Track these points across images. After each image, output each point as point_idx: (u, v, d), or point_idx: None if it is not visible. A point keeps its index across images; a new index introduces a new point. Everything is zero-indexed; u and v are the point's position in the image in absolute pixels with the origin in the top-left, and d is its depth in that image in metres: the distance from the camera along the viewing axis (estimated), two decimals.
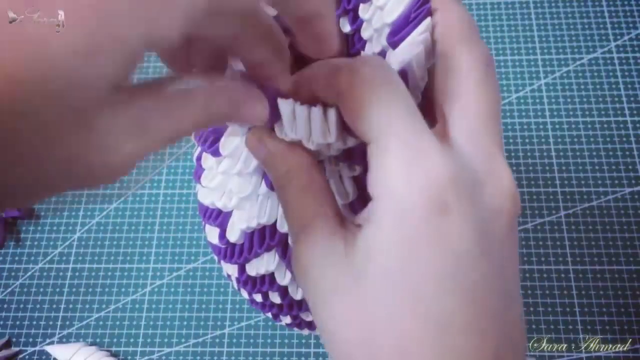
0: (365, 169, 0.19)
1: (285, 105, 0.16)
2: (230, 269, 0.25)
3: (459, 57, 0.16)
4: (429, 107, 0.17)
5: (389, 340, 0.14)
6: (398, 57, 0.17)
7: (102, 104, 0.12)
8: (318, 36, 0.16)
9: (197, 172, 0.25)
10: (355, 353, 0.14)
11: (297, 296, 0.24)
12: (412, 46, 0.17)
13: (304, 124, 0.16)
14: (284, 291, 0.25)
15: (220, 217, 0.24)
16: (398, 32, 0.18)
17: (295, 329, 0.30)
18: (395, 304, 0.14)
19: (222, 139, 0.22)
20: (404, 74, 0.16)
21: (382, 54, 0.20)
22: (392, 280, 0.14)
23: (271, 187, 0.21)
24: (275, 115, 0.17)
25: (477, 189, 0.15)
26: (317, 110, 0.16)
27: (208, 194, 0.24)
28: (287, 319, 0.28)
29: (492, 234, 0.15)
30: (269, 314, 0.29)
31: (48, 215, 0.43)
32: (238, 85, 0.16)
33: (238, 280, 0.26)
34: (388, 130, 0.14)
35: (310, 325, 0.28)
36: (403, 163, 0.14)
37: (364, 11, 0.21)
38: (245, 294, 0.28)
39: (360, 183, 0.20)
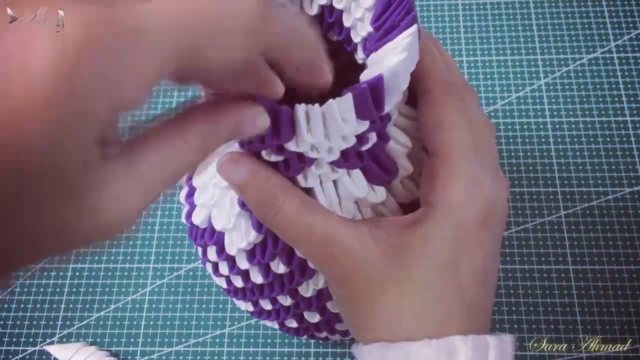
0: (365, 167, 0.19)
1: (299, 109, 0.16)
2: (238, 281, 0.25)
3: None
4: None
5: (435, 316, 0.18)
6: (383, 61, 0.17)
7: (86, 169, 0.12)
8: (313, 75, 0.16)
9: (188, 194, 0.24)
10: (409, 324, 0.18)
11: (308, 293, 0.24)
12: (395, 51, 0.17)
13: (320, 122, 0.16)
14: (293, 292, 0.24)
15: (215, 236, 0.23)
16: (380, 16, 0.19)
17: (298, 335, 0.30)
18: (443, 290, 0.18)
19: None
20: (387, 78, 0.17)
21: (369, 37, 0.20)
22: (443, 270, 0.18)
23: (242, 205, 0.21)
24: (281, 131, 0.16)
25: None
26: (333, 102, 0.16)
27: (201, 212, 0.23)
28: (292, 323, 0.28)
29: (499, 241, 0.20)
30: (275, 323, 0.28)
31: None
32: (230, 101, 0.15)
33: (243, 290, 0.26)
34: (461, 154, 0.18)
35: (318, 328, 0.28)
36: (467, 185, 0.18)
37: (338, 2, 0.21)
38: (249, 306, 0.27)
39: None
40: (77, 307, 0.40)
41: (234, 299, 0.28)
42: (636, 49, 0.45)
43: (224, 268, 0.25)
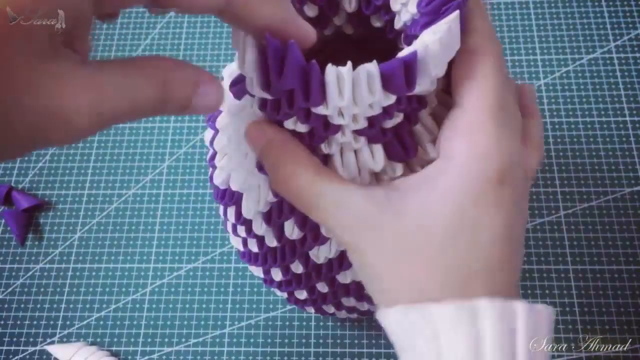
0: (387, 142, 0.19)
1: (331, 71, 0.16)
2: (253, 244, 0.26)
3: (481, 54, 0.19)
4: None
5: (459, 277, 0.17)
6: (423, 37, 0.17)
7: (35, 58, 0.13)
8: (290, 37, 0.17)
9: (211, 157, 0.25)
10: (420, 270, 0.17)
11: (320, 260, 0.24)
12: (435, 35, 0.17)
13: (349, 86, 0.17)
14: (305, 258, 0.25)
15: (234, 197, 0.24)
16: (429, 2, 0.18)
17: (307, 308, 0.30)
18: (464, 249, 0.17)
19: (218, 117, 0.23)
20: (420, 57, 0.17)
21: (413, 22, 0.20)
22: (462, 228, 0.17)
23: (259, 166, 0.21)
24: (312, 91, 0.17)
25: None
26: (363, 69, 0.16)
27: (221, 174, 0.24)
28: (302, 294, 0.28)
29: (522, 200, 0.19)
30: (285, 294, 0.29)
31: (48, 215, 0.43)
32: (191, 66, 0.16)
33: (257, 255, 0.26)
34: (487, 107, 0.18)
35: (326, 299, 0.28)
36: (488, 139, 0.17)
37: None
38: (261, 273, 0.28)
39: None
40: (77, 307, 0.40)
41: (247, 264, 0.28)
42: (636, 49, 0.45)
43: (241, 230, 0.25)
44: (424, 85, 0.17)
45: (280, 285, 0.28)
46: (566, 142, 0.43)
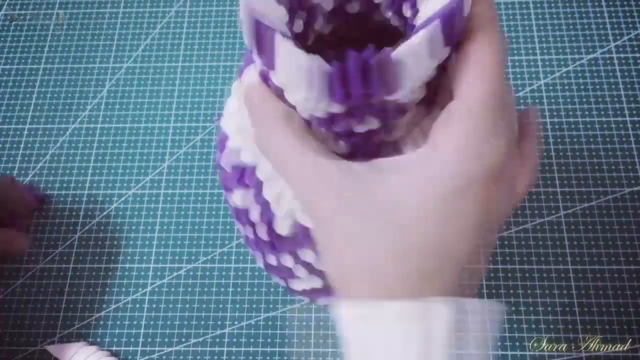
0: (354, 143, 0.19)
1: (283, 43, 0.16)
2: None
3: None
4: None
5: (415, 273, 0.17)
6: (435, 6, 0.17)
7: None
8: None
9: (221, 141, 0.25)
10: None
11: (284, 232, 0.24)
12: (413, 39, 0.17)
13: (288, 63, 0.17)
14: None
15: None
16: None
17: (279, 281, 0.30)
18: (419, 244, 0.17)
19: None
20: (450, 15, 0.16)
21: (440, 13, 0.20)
22: (423, 224, 0.17)
23: None
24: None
25: None
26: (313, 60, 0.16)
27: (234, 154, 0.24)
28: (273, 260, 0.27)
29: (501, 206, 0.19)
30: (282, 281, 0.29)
31: (48, 215, 0.43)
32: None
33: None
34: (480, 102, 0.17)
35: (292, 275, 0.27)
36: (480, 137, 0.16)
37: None
38: (260, 258, 0.28)
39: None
40: (77, 307, 0.40)
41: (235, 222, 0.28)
42: (636, 49, 0.45)
43: (256, 213, 0.25)
44: (405, 91, 0.17)
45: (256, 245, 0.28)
46: (566, 142, 0.43)
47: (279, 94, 0.19)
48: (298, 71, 0.16)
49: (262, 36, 0.17)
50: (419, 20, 0.18)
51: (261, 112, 0.19)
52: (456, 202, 0.17)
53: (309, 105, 0.18)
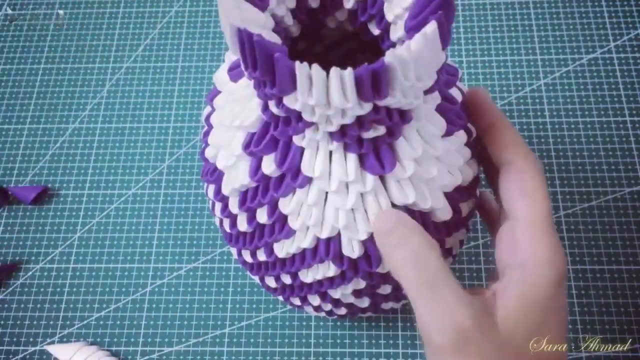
0: (362, 154, 0.20)
1: (301, 69, 0.16)
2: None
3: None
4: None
5: None
6: (396, 49, 0.17)
7: None
8: None
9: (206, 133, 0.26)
10: None
11: (281, 254, 0.24)
12: (412, 44, 0.17)
13: (319, 85, 0.16)
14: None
15: (216, 174, 0.24)
16: (417, 16, 0.18)
17: (275, 294, 0.30)
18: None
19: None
20: (392, 65, 0.16)
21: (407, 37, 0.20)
22: (536, 327, 0.21)
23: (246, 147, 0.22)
24: (289, 82, 0.17)
25: None
26: (335, 71, 0.16)
27: (212, 150, 0.24)
28: (272, 282, 0.28)
29: None
30: (257, 278, 0.29)
31: (48, 215, 0.43)
32: None
33: (230, 235, 0.26)
34: (544, 219, 0.21)
35: (293, 292, 0.28)
36: (552, 250, 0.20)
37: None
38: (235, 253, 0.28)
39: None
40: (77, 307, 0.40)
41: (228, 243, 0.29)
42: (635, 49, 0.45)
43: (218, 209, 0.26)
44: (397, 96, 0.17)
45: (252, 269, 0.28)
46: (566, 142, 0.43)
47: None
48: (322, 87, 0.17)
49: (277, 68, 0.16)
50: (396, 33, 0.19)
51: (395, 254, 0.20)
52: (546, 308, 0.20)
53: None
